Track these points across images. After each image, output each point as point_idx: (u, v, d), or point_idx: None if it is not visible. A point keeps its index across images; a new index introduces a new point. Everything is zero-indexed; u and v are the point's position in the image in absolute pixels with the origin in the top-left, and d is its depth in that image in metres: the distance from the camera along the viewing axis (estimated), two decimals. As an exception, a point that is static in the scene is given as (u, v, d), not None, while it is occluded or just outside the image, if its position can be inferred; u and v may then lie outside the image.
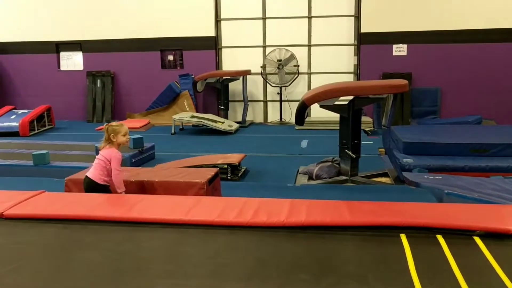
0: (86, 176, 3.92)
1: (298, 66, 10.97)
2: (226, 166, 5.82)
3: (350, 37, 10.93)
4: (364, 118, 9.75)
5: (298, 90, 10.93)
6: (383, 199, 4.26)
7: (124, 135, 3.89)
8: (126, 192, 3.89)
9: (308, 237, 2.62)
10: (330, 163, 5.91)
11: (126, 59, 11.45)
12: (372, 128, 9.63)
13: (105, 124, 3.96)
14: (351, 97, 5.55)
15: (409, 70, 10.44)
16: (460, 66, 10.34)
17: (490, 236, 2.46)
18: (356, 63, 10.91)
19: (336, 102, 5.61)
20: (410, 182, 5.38)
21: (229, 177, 5.80)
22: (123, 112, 11.56)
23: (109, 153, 3.85)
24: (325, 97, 5.23)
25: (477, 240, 2.43)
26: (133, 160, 6.48)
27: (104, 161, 3.85)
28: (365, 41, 10.63)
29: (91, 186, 3.85)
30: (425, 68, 10.45)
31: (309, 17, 10.99)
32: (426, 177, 5.64)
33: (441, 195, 4.78)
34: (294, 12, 10.99)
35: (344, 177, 5.68)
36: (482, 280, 2.07)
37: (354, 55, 10.92)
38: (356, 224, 2.65)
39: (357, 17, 10.73)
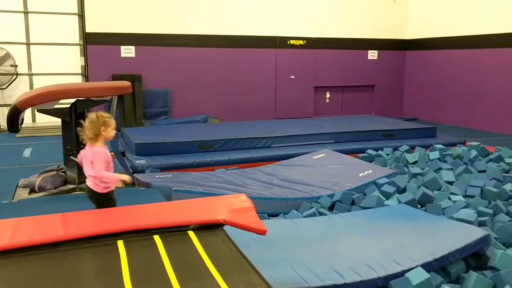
0: (86, 185, 3.44)
1: (16, 66, 9.77)
2: None
3: (75, 37, 10.35)
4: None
5: (19, 92, 9.67)
6: (111, 205, 4.11)
7: (113, 129, 3.41)
8: None
9: (11, 263, 2.25)
10: (55, 172, 5.42)
11: None
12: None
13: (92, 113, 3.36)
14: (73, 100, 5.20)
15: (139, 72, 10.55)
16: (187, 68, 11.02)
17: (203, 229, 2.59)
18: (83, 64, 10.39)
19: (57, 106, 5.16)
20: (142, 183, 5.39)
21: None
22: None
23: (92, 152, 3.31)
24: (40, 100, 4.73)
25: (191, 234, 2.52)
26: None
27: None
28: (91, 41, 10.23)
29: (94, 198, 3.43)
30: (154, 70, 10.73)
31: (26, 12, 9.90)
32: (157, 176, 5.75)
33: (169, 193, 4.92)
34: (5, 6, 9.75)
35: (71, 186, 5.29)
36: (192, 274, 2.13)
37: (81, 55, 10.38)
38: (70, 238, 2.42)
39: (81, 16, 10.22)
